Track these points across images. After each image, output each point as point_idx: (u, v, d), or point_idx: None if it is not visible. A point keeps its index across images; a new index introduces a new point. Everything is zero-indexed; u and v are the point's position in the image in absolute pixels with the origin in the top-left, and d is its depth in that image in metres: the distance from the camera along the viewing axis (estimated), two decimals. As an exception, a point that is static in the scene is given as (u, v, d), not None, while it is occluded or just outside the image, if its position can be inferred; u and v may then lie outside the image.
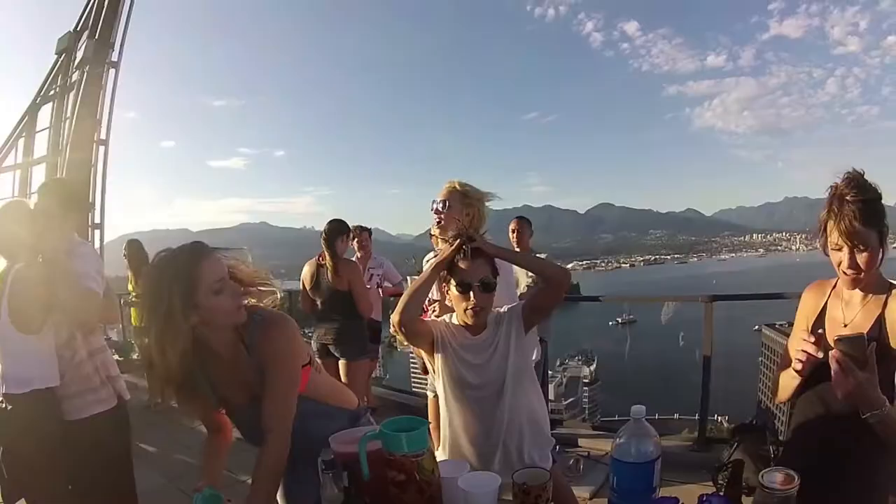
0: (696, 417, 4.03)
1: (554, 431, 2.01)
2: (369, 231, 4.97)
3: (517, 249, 4.47)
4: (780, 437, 1.92)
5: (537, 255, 4.47)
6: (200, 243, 1.37)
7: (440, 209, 2.48)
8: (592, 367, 45.47)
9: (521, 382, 1.85)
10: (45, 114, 8.80)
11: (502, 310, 1.93)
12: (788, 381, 1.51)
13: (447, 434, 1.91)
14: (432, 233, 2.60)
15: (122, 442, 2.17)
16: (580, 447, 3.94)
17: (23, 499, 2.01)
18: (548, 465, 1.87)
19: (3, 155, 8.59)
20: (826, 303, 1.52)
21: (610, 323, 69.47)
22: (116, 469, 2.12)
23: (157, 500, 2.37)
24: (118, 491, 2.13)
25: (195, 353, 1.37)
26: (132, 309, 5.51)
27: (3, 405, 1.90)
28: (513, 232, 4.52)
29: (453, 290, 1.81)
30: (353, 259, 4.70)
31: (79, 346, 2.01)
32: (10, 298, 1.91)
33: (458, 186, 2.53)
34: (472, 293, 1.77)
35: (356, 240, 4.80)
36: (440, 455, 1.87)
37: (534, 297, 1.93)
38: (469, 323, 1.84)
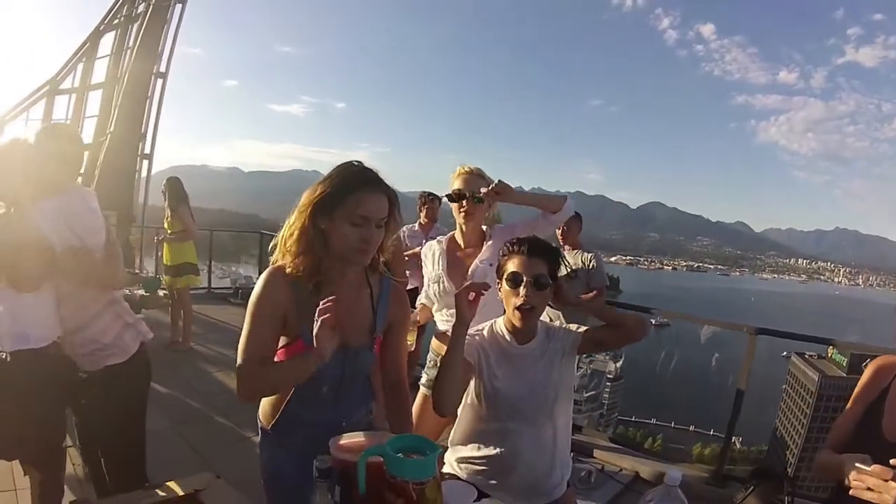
0: (712, 433, 3.89)
1: (571, 437, 1.87)
2: (439, 200, 4.70)
3: (564, 245, 4.32)
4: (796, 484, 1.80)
5: (585, 251, 4.33)
6: (378, 178, 1.39)
7: (473, 202, 2.27)
8: (619, 364, 44.78)
9: (558, 404, 1.71)
10: (107, 41, 8.87)
11: (557, 323, 1.78)
12: (836, 469, 1.31)
13: (465, 448, 1.77)
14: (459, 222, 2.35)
15: (134, 392, 2.10)
16: (595, 458, 3.84)
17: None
18: (561, 491, 1.78)
19: (61, 77, 8.72)
20: (890, 384, 1.41)
21: (644, 323, 68.58)
22: (125, 419, 2.06)
23: (156, 443, 2.31)
24: (125, 440, 2.08)
25: (316, 280, 1.40)
26: (165, 245, 5.52)
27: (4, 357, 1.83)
28: (558, 228, 4.20)
29: (504, 286, 1.67)
30: (415, 225, 4.66)
31: (88, 301, 1.94)
32: None
33: (483, 175, 2.33)
34: (522, 287, 1.62)
35: (425, 206, 4.70)
36: (448, 460, 1.79)
37: (600, 332, 1.73)
38: (517, 325, 1.67)
